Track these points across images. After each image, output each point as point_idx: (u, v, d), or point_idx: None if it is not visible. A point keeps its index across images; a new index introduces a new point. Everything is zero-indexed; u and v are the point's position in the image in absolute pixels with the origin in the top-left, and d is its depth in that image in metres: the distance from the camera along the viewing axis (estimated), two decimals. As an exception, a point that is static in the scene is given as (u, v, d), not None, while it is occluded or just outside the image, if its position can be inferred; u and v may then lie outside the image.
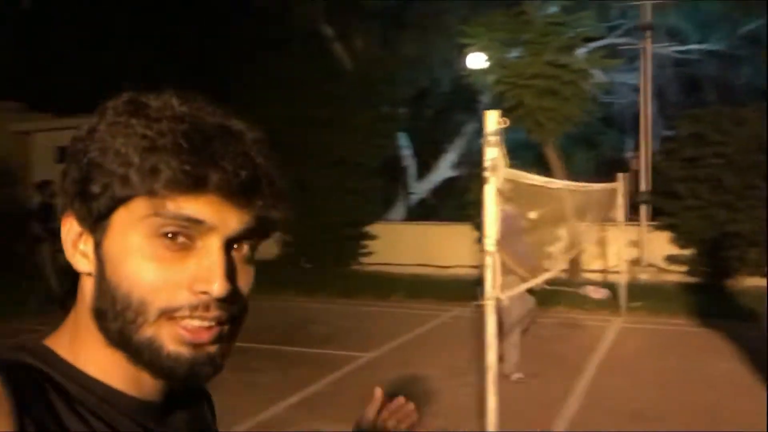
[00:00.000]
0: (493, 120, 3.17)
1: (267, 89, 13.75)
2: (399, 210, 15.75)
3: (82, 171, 0.63)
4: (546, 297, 9.54)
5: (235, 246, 0.66)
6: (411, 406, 1.15)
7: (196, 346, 0.64)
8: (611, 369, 6.56)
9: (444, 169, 17.00)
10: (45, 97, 14.62)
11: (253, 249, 0.69)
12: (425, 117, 16.62)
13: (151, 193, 0.61)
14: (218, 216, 0.63)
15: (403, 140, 15.73)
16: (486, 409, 3.41)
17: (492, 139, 3.16)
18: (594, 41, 12.76)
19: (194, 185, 0.61)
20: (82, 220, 0.65)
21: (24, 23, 16.28)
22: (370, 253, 13.32)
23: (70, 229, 0.66)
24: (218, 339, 0.65)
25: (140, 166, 0.61)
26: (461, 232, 12.93)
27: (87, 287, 0.66)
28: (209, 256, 0.63)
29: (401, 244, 13.14)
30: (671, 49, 15.52)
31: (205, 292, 0.63)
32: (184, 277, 0.63)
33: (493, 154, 3.18)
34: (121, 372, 0.66)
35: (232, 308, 0.66)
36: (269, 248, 13.81)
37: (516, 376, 5.99)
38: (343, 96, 13.06)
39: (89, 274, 0.66)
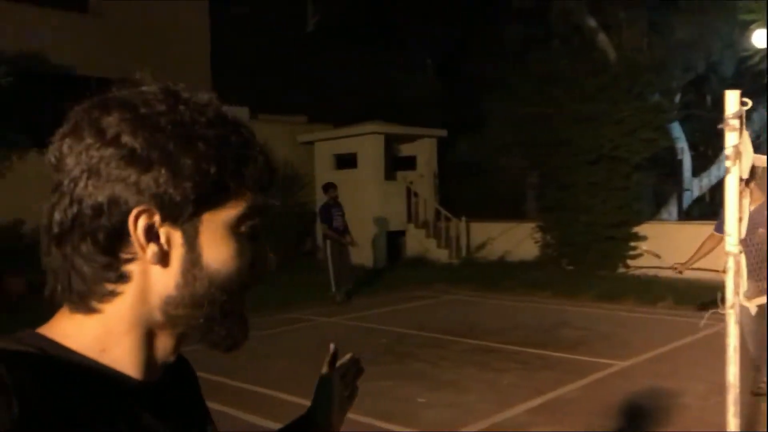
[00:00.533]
0: (733, 101, 2.75)
1: (527, 88, 13.64)
2: (672, 209, 14.47)
3: (171, 169, 0.65)
4: None
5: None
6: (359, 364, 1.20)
7: (242, 315, 0.74)
8: None
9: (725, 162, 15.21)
10: (324, 111, 16.18)
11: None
12: (703, 105, 15.05)
13: (239, 195, 0.70)
14: (265, 201, 0.73)
15: (676, 132, 14.41)
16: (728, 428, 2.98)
17: (733, 122, 2.75)
18: None
19: (265, 180, 0.72)
20: (166, 214, 0.66)
21: (307, 45, 18.21)
22: (638, 256, 12.43)
23: (141, 222, 0.66)
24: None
25: (235, 168, 0.69)
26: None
27: (149, 278, 0.68)
28: (262, 236, 0.74)
29: (675, 246, 11.97)
30: None
31: (263, 272, 0.75)
32: (253, 257, 0.73)
33: (734, 139, 2.76)
34: (135, 357, 0.69)
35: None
36: (530, 248, 13.68)
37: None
38: (607, 88, 12.40)
39: (163, 266, 0.68)
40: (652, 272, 11.65)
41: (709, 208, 14.68)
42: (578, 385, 5.96)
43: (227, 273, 0.70)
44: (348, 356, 1.16)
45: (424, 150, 15.64)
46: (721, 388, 5.58)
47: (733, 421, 3.01)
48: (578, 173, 12.74)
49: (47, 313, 0.72)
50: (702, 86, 15.58)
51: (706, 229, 11.94)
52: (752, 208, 4.54)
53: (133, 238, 0.66)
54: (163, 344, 0.72)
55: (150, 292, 0.68)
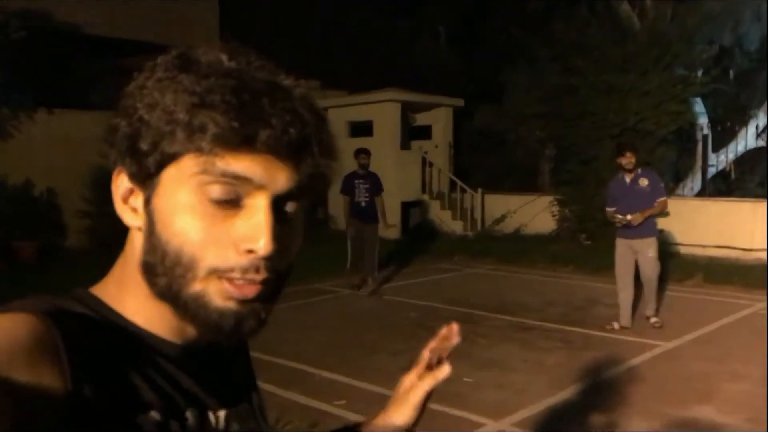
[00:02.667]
0: None
1: (550, 57, 13.27)
2: (693, 184, 14.22)
3: (132, 127, 0.64)
4: None
5: (285, 205, 0.66)
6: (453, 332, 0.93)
7: (241, 301, 0.65)
8: None
9: (748, 138, 14.95)
10: (337, 77, 15.76)
11: (302, 208, 0.69)
12: (727, 80, 14.72)
13: (199, 151, 0.62)
14: (267, 174, 0.63)
15: (698, 106, 14.11)
16: None
17: None
18: None
19: (242, 142, 0.61)
20: (132, 176, 0.66)
21: (319, 8, 17.67)
22: (659, 231, 12.17)
23: (120, 183, 0.68)
24: (263, 296, 0.66)
25: (188, 123, 0.61)
26: (771, 210, 11.24)
27: (136, 241, 0.68)
28: (256, 214, 0.63)
29: (696, 223, 11.80)
30: None
31: (251, 251, 0.63)
32: (231, 235, 0.63)
33: None
34: (165, 322, 0.68)
35: (279, 267, 0.66)
36: (545, 222, 13.44)
37: None
38: (634, 59, 12.04)
39: (139, 229, 0.67)
40: (675, 249, 11.46)
41: (732, 184, 14.44)
42: (627, 366, 5.75)
43: (179, 245, 0.63)
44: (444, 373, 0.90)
45: (439, 119, 15.29)
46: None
47: None
48: (601, 147, 12.44)
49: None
50: (723, 60, 15.22)
51: (731, 205, 11.84)
52: None
53: (113, 198, 0.68)
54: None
55: (136, 256, 0.68)
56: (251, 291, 0.65)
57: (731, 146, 14.78)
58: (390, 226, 9.24)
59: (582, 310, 7.92)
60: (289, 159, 0.64)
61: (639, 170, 6.98)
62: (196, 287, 0.64)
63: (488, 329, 6.98)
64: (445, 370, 0.91)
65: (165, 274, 0.65)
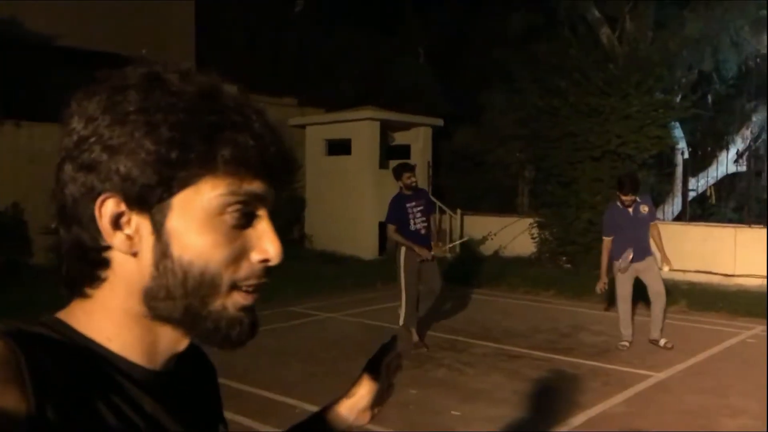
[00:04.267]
0: None
1: (531, 78, 13.19)
2: (673, 208, 14.17)
3: (135, 155, 0.63)
4: None
5: None
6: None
7: (248, 309, 0.69)
8: None
9: (725, 163, 14.98)
10: (314, 95, 15.52)
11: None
12: (705, 105, 14.74)
13: (215, 174, 0.65)
14: (267, 190, 0.68)
15: (678, 131, 14.10)
16: None
17: None
18: None
19: (255, 165, 0.66)
20: (132, 202, 0.65)
21: (296, 25, 17.44)
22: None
23: (106, 209, 0.65)
24: (255, 302, 0.70)
25: (205, 150, 0.64)
26: (751, 236, 11.20)
27: (126, 266, 0.66)
28: (265, 227, 0.68)
29: (677, 247, 11.66)
30: None
31: (265, 260, 0.68)
32: (246, 248, 0.67)
33: None
34: (143, 347, 0.68)
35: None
36: (525, 245, 13.26)
37: None
38: (616, 82, 11.99)
39: (133, 254, 0.66)
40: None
41: (709, 209, 14.45)
42: (620, 399, 5.50)
43: (203, 265, 0.65)
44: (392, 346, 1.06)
45: (418, 139, 15.10)
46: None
47: None
48: (581, 169, 12.35)
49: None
50: (702, 86, 15.29)
51: (711, 230, 11.77)
52: None
53: (99, 225, 0.65)
54: (165, 334, 0.69)
55: (131, 282, 0.67)
56: (252, 299, 0.69)
57: (710, 171, 14.79)
58: (441, 248, 7.46)
59: (569, 337, 7.69)
60: (279, 175, 0.70)
61: (637, 198, 6.95)
62: (219, 303, 0.67)
63: (474, 357, 6.71)
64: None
65: (186, 295, 0.66)
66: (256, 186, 0.67)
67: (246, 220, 0.67)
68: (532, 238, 13.27)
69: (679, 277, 11.08)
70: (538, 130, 12.89)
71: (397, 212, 6.89)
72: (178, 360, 0.73)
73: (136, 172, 0.63)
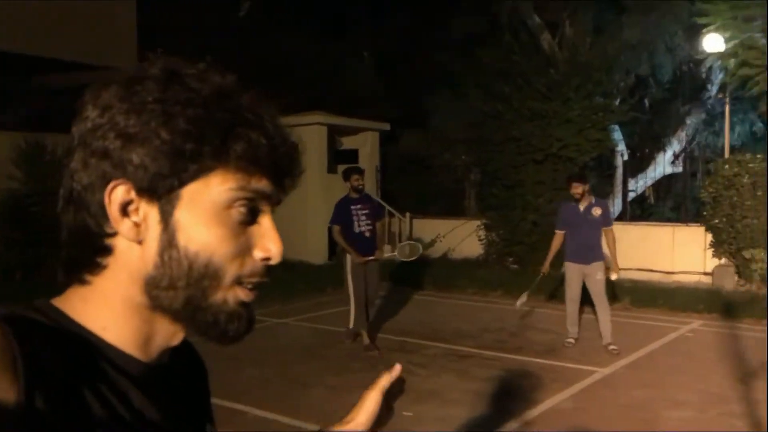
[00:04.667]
0: None
1: (474, 83, 13.39)
2: (613, 209, 14.58)
3: (151, 144, 0.64)
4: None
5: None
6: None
7: (247, 305, 0.70)
8: None
9: (662, 165, 15.52)
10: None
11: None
12: (642, 108, 15.25)
13: (226, 168, 0.66)
14: (272, 189, 0.70)
15: (617, 134, 14.54)
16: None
17: None
18: None
19: (265, 163, 0.68)
20: (143, 190, 0.65)
21: (240, 30, 17.31)
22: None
23: (116, 195, 0.65)
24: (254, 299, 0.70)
25: (223, 142, 0.65)
26: (687, 234, 11.63)
27: (130, 254, 0.67)
28: (269, 225, 0.70)
29: (618, 247, 12.01)
30: None
31: (266, 259, 0.69)
32: (250, 245, 0.68)
33: None
34: (137, 338, 0.69)
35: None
36: (472, 246, 13.45)
37: None
38: (554, 87, 12.30)
39: (138, 242, 0.66)
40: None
41: (648, 209, 14.91)
42: (567, 395, 5.65)
43: (208, 257, 0.66)
44: (395, 372, 1.02)
45: (366, 143, 15.14)
46: (717, 399, 5.44)
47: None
48: (525, 172, 12.60)
49: None
50: (639, 90, 15.82)
51: (650, 229, 12.17)
52: None
53: (108, 211, 0.65)
54: (162, 326, 0.70)
55: (133, 270, 0.67)
56: (252, 296, 0.70)
57: (649, 172, 15.29)
58: (383, 255, 7.71)
59: (516, 336, 7.84)
60: (284, 173, 0.71)
61: (593, 200, 7.13)
62: (220, 296, 0.68)
63: (425, 358, 6.77)
64: (396, 368, 1.01)
65: (188, 286, 0.66)
66: (263, 184, 0.68)
67: (251, 216, 0.68)
68: (480, 240, 13.47)
69: (621, 275, 11.42)
70: (482, 134, 13.09)
71: (341, 214, 7.06)
72: (171, 355, 0.74)
73: (148, 161, 0.64)
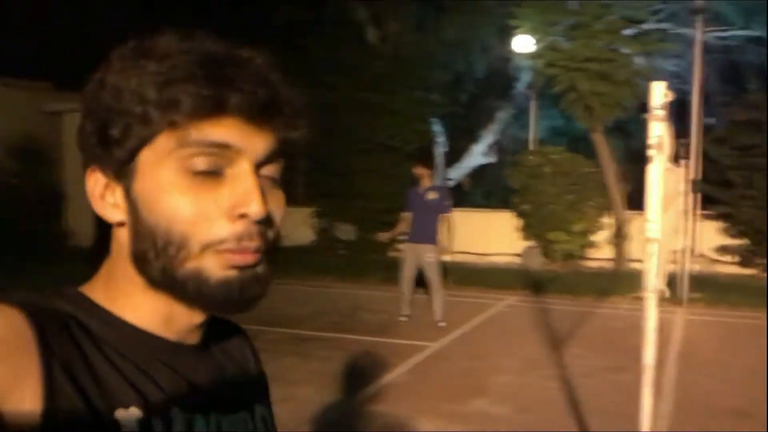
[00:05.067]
0: (659, 92, 2.89)
1: (302, 72, 13.49)
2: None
3: (99, 119, 0.64)
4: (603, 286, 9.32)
5: (263, 169, 0.66)
6: None
7: (243, 268, 0.64)
8: (690, 363, 6.31)
9: (476, 155, 16.70)
10: (75, 77, 14.35)
11: (278, 171, 0.69)
12: (459, 102, 16.29)
13: (173, 125, 0.61)
14: (243, 139, 0.63)
15: (436, 126, 15.42)
16: (641, 411, 3.17)
17: (658, 113, 2.88)
18: (639, 24, 12.42)
19: (214, 109, 0.61)
20: (106, 170, 0.66)
21: (52, 3, 16.00)
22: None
23: (94, 183, 0.67)
24: (261, 261, 0.66)
25: (159, 100, 0.61)
26: (499, 219, 12.69)
27: (122, 236, 0.67)
28: (242, 180, 0.63)
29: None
30: (713, 34, 15.12)
31: (243, 215, 0.63)
32: (220, 206, 0.63)
33: (659, 129, 2.90)
34: (158, 317, 0.68)
35: (269, 233, 0.66)
36: (304, 234, 13.62)
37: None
38: (384, 79, 12.77)
39: (121, 224, 0.66)
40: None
41: (464, 196, 15.94)
42: (404, 369, 6.02)
43: (167, 225, 0.63)
44: None
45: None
46: (534, 364, 6.08)
47: (647, 401, 3.17)
48: (354, 160, 12.98)
49: None
50: (457, 85, 16.85)
51: (467, 215, 13.09)
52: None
53: (91, 199, 0.67)
54: (174, 303, 0.67)
55: (125, 251, 0.67)
56: (250, 258, 0.64)
57: (465, 162, 16.36)
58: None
59: (351, 317, 8.14)
60: (262, 122, 0.64)
61: (433, 185, 7.66)
62: (192, 265, 0.63)
63: (266, 343, 6.81)
64: None
65: (158, 257, 0.63)
66: (218, 135, 0.62)
67: (212, 174, 0.63)
68: (312, 228, 13.67)
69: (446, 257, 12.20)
70: (309, 122, 13.23)
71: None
72: (216, 336, 0.75)
73: (104, 134, 0.64)
